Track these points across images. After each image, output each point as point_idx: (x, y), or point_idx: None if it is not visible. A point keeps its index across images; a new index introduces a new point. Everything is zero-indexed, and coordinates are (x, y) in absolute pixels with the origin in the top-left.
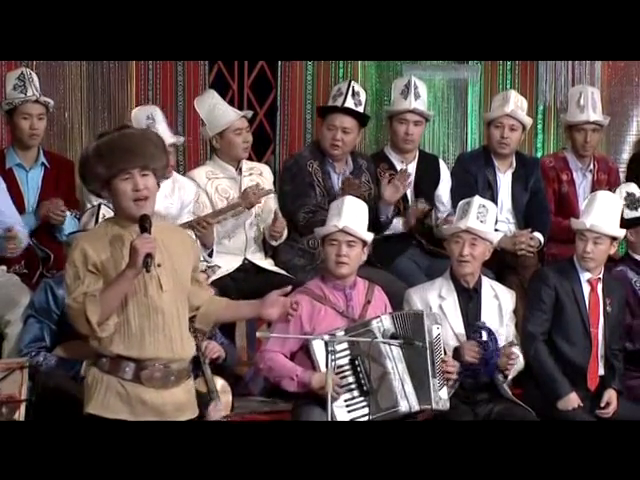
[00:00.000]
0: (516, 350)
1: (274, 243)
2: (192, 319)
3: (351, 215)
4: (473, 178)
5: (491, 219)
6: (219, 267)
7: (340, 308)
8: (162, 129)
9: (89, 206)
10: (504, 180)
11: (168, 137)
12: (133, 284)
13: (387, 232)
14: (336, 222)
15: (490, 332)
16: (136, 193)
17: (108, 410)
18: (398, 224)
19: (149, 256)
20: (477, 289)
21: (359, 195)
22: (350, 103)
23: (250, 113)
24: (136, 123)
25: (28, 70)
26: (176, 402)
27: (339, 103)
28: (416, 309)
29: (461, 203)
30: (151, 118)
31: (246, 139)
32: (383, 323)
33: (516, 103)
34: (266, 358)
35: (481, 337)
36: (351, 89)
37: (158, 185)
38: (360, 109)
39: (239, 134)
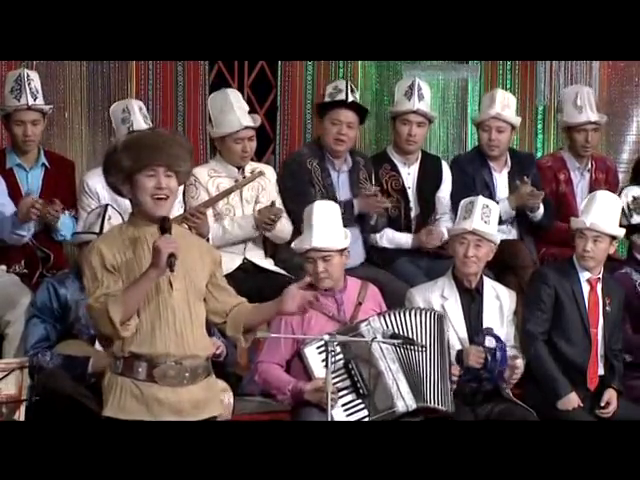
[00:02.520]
0: (519, 363)
1: (268, 234)
2: (223, 326)
3: (321, 227)
4: (470, 179)
5: (494, 219)
6: None
7: (331, 312)
8: (137, 120)
9: (85, 206)
10: (500, 179)
11: (142, 125)
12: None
13: (393, 246)
14: (308, 239)
15: (499, 340)
16: (157, 191)
17: (125, 412)
18: (407, 242)
19: (172, 256)
20: (479, 289)
21: (380, 210)
22: (352, 99)
23: (258, 122)
24: (114, 118)
25: (26, 71)
26: (193, 400)
27: (341, 99)
28: (417, 307)
29: (463, 203)
30: (126, 111)
31: (245, 148)
32: (372, 325)
33: (502, 102)
34: (260, 370)
35: (484, 342)
36: (349, 86)
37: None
38: None
39: (239, 143)
